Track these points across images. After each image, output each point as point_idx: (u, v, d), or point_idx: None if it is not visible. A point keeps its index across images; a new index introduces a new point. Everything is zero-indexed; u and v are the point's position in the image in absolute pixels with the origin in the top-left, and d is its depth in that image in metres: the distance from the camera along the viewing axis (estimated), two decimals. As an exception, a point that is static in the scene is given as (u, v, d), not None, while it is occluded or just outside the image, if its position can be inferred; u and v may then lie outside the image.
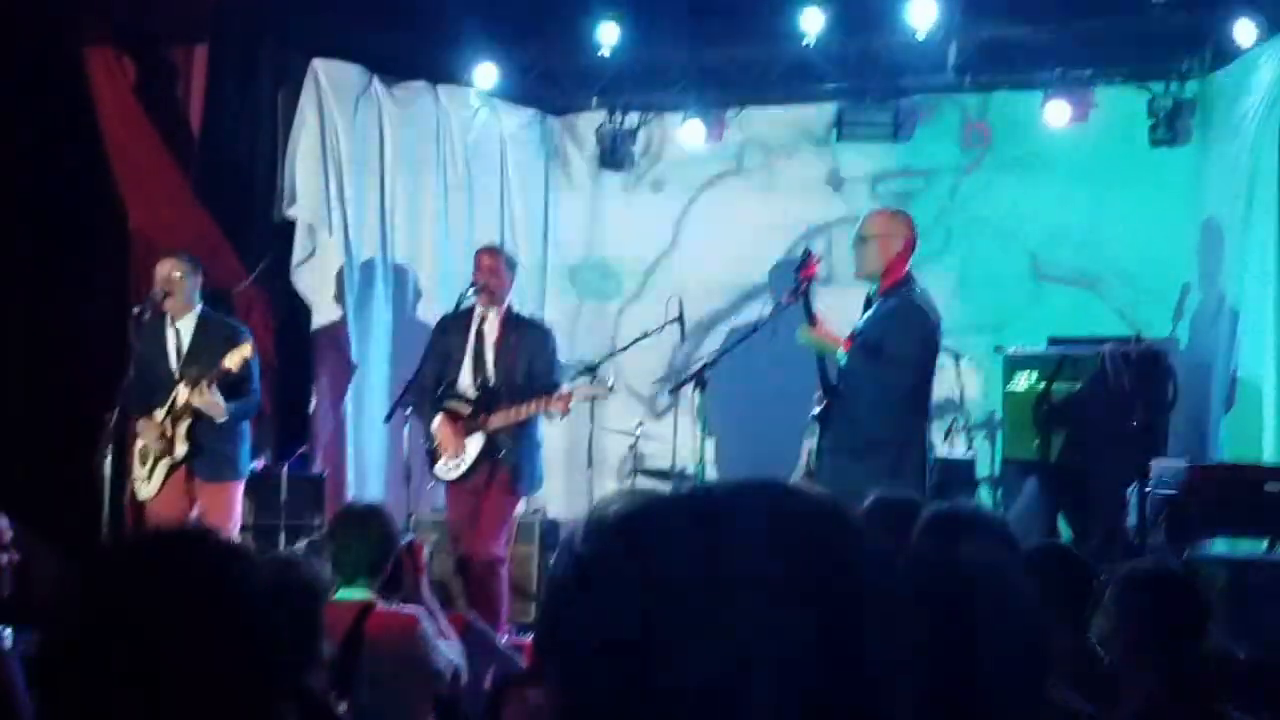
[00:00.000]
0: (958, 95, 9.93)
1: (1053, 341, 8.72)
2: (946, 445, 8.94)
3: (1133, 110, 9.40)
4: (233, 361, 7.32)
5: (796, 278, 6.83)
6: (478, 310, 7.78)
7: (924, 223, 7.30)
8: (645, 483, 9.19)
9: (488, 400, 7.65)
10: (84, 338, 8.19)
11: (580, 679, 1.19)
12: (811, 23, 9.47)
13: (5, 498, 6.19)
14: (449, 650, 4.91)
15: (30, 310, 8.22)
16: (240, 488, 7.70)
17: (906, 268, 6.78)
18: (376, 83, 9.75)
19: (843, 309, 7.11)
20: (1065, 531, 8.14)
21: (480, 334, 7.75)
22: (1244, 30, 8.62)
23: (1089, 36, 9.42)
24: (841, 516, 1.21)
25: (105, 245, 8.48)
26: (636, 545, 1.19)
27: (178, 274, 7.45)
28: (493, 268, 7.78)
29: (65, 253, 8.25)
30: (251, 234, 9.18)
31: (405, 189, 9.90)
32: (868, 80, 9.97)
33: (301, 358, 9.30)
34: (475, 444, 7.64)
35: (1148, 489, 7.24)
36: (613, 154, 10.75)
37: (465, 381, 7.73)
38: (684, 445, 8.46)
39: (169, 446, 7.41)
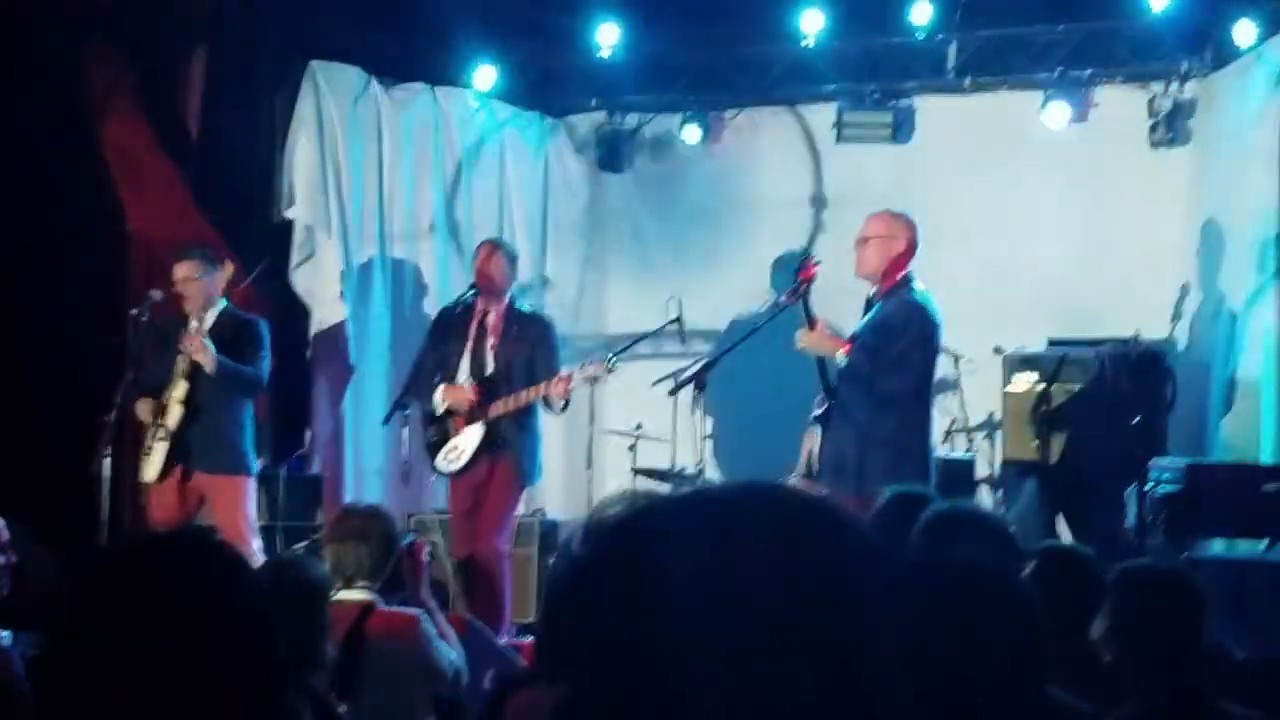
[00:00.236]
0: (957, 95, 9.92)
1: (1052, 343, 8.73)
2: (946, 446, 8.94)
3: (1132, 111, 9.40)
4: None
5: (796, 279, 6.83)
6: (479, 304, 7.79)
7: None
8: (644, 483, 9.18)
9: (486, 391, 7.66)
10: (82, 338, 8.18)
11: (580, 680, 1.19)
12: (811, 23, 9.48)
13: (4, 499, 6.19)
14: (450, 651, 4.91)
15: (28, 310, 8.22)
16: (249, 484, 7.58)
17: (907, 269, 6.79)
18: (375, 84, 9.75)
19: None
20: (1064, 532, 8.13)
21: (482, 326, 7.76)
22: (1244, 30, 8.63)
23: (1089, 37, 9.43)
24: (840, 518, 1.22)
25: (104, 246, 8.48)
26: (636, 548, 1.19)
27: (184, 275, 7.45)
28: (493, 261, 7.79)
29: (64, 253, 8.24)
30: (250, 235, 9.17)
31: (404, 191, 9.89)
32: (867, 81, 9.97)
33: (300, 359, 9.30)
34: (475, 435, 7.64)
35: (1146, 489, 7.24)
36: (612, 155, 10.74)
37: (464, 374, 7.74)
38: (683, 445, 8.44)
39: (162, 413, 7.33)
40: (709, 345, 9.47)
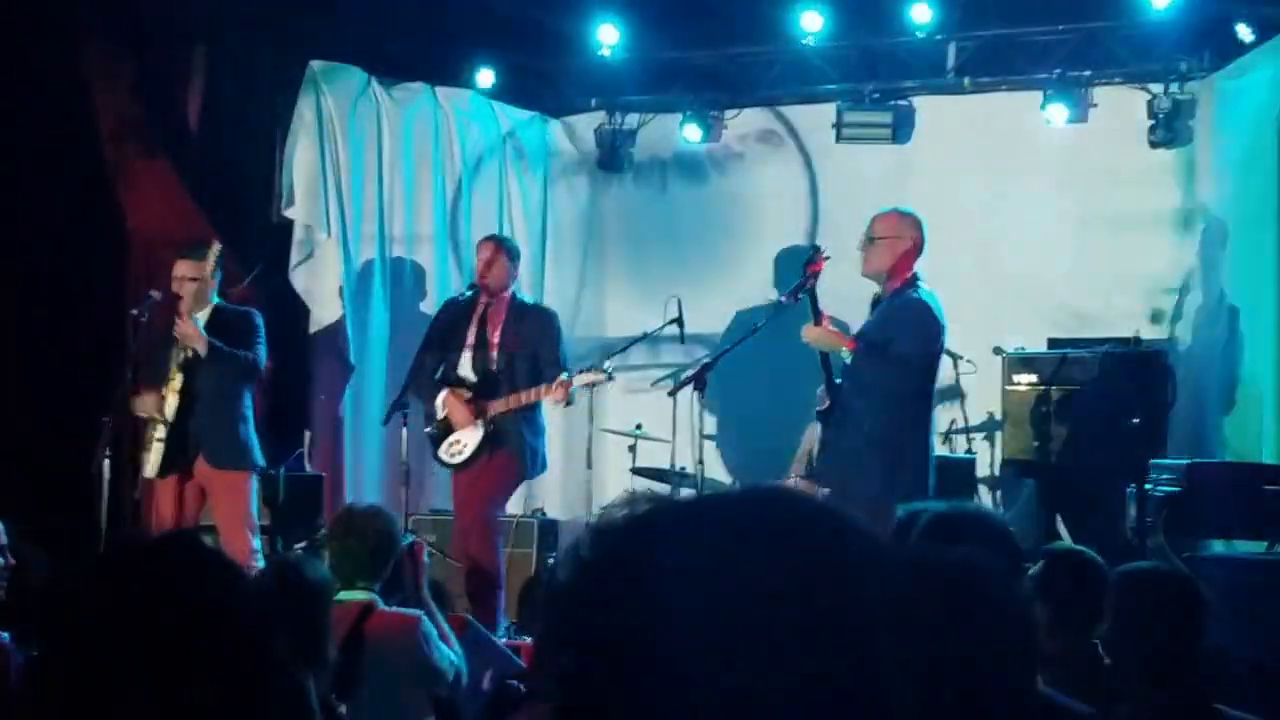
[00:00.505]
0: (957, 96, 9.92)
1: (1051, 343, 8.73)
2: (946, 446, 8.94)
3: (1131, 111, 9.40)
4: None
5: (804, 273, 6.82)
6: (481, 299, 7.78)
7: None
8: (644, 483, 9.18)
9: (488, 386, 7.66)
10: (82, 338, 8.19)
11: (582, 684, 1.19)
12: (811, 23, 9.49)
13: (3, 499, 6.19)
14: (449, 651, 4.92)
15: (28, 310, 8.22)
16: (251, 480, 7.53)
17: (914, 268, 6.79)
18: (375, 84, 9.75)
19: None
20: (1063, 532, 8.14)
21: (484, 321, 7.76)
22: (1244, 30, 8.63)
23: (1088, 37, 9.43)
24: (841, 523, 1.22)
25: (103, 245, 8.48)
26: (640, 552, 1.19)
27: (183, 274, 7.44)
28: (493, 257, 7.78)
29: (63, 253, 8.25)
30: (249, 235, 9.17)
31: (403, 190, 9.89)
32: (867, 81, 9.97)
33: (299, 358, 9.30)
34: (477, 431, 7.65)
35: (1147, 489, 7.24)
36: (612, 155, 10.74)
37: (466, 368, 7.74)
38: (683, 445, 8.44)
39: (159, 406, 7.31)
40: (708, 345, 9.47)
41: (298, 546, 7.90)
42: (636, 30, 9.91)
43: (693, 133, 10.34)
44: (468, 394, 7.70)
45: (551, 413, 8.21)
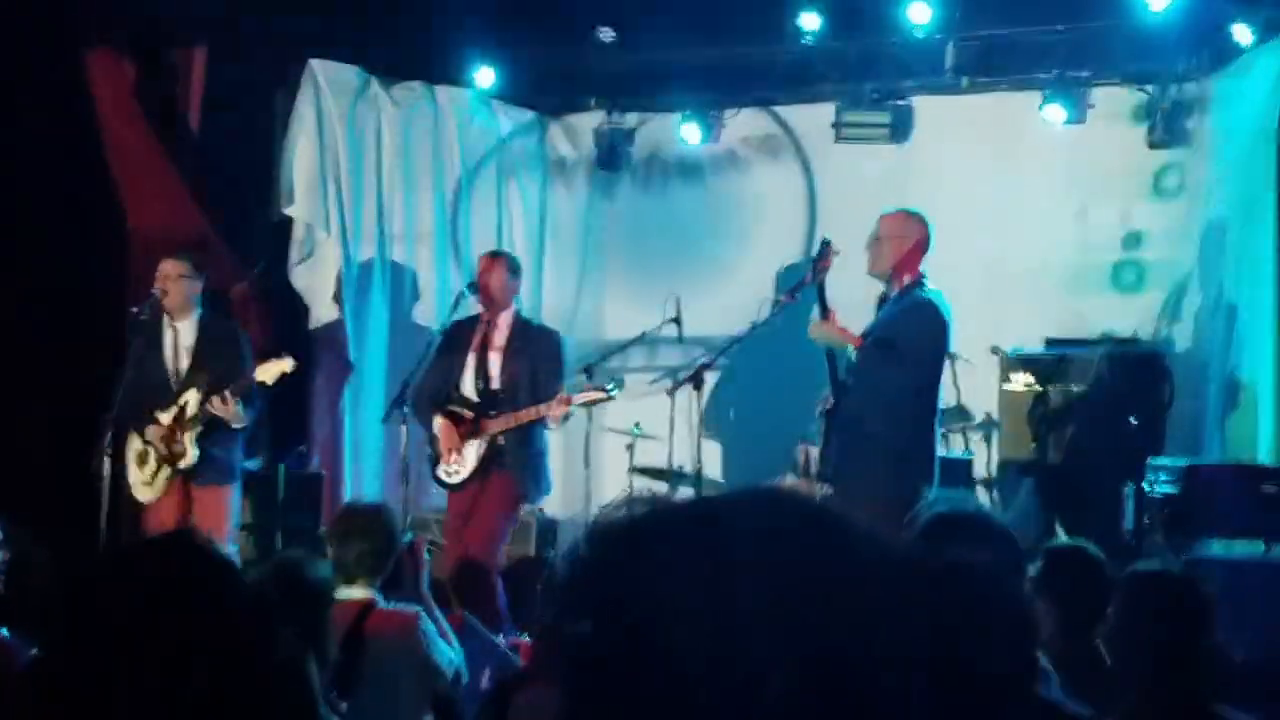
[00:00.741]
0: (955, 96, 9.93)
1: (1049, 342, 8.74)
2: (943, 445, 8.94)
3: (1130, 111, 9.41)
4: (268, 374, 7.27)
5: (814, 268, 6.82)
6: (484, 315, 7.77)
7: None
8: (642, 482, 9.19)
9: (489, 404, 7.65)
10: (83, 337, 8.19)
11: (584, 684, 1.20)
12: (810, 23, 9.49)
13: (3, 498, 6.19)
14: (449, 649, 4.93)
15: (29, 309, 8.23)
16: (236, 491, 7.63)
17: (919, 267, 6.79)
18: (375, 83, 9.76)
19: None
20: (1061, 533, 8.14)
21: (486, 339, 7.74)
22: (1243, 31, 8.63)
23: (1087, 37, 9.43)
24: (841, 521, 1.23)
25: (104, 245, 8.48)
26: (640, 553, 1.20)
27: (175, 273, 7.42)
28: (495, 272, 7.76)
29: (64, 253, 8.25)
30: (249, 233, 9.19)
31: (403, 189, 9.90)
32: (865, 81, 9.98)
33: (299, 357, 9.29)
34: (475, 450, 7.64)
35: (1145, 489, 7.25)
36: (610, 155, 10.75)
37: (468, 386, 7.73)
38: (681, 444, 8.45)
39: (180, 454, 7.35)
40: (707, 345, 9.47)
41: (294, 551, 7.89)
42: (635, 30, 9.91)
43: (691, 133, 10.34)
44: (467, 414, 7.67)
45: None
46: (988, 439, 9.05)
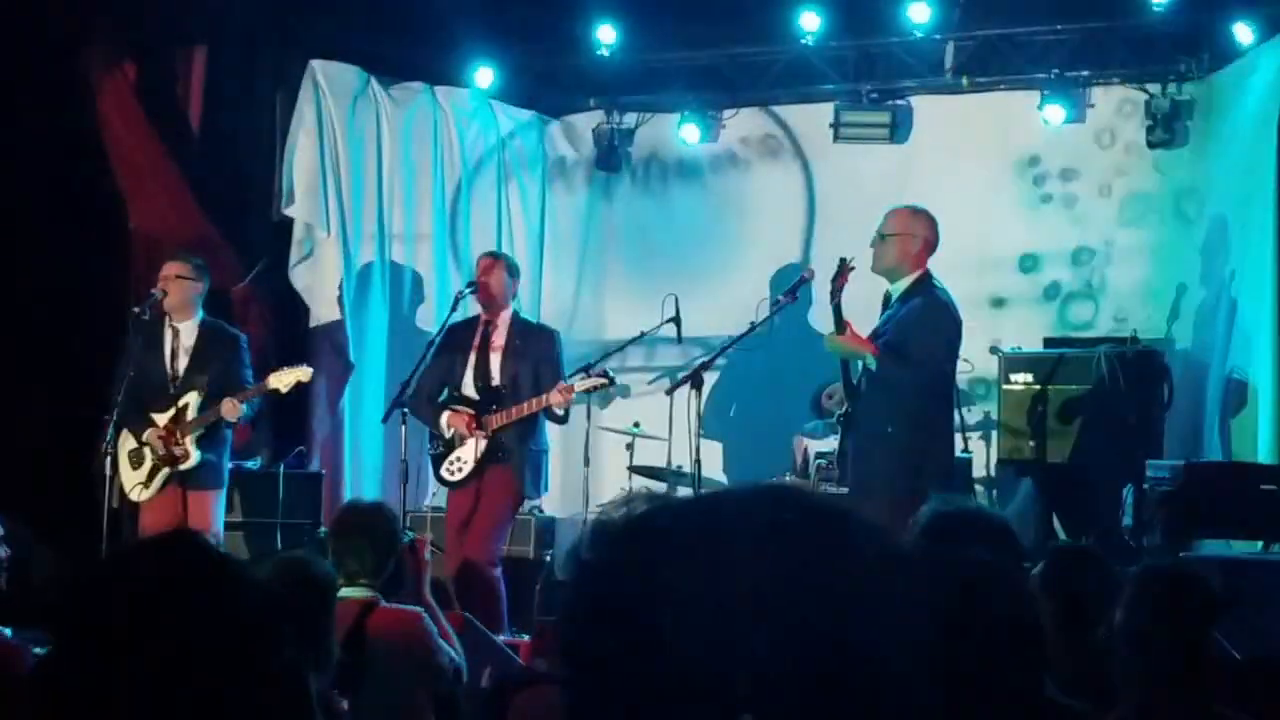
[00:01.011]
0: (955, 95, 9.93)
1: (1049, 342, 8.74)
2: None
3: (1130, 111, 9.41)
4: (283, 383, 7.29)
5: (833, 286, 6.79)
6: (484, 317, 7.80)
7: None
8: (641, 482, 9.19)
9: (490, 401, 7.67)
10: (83, 337, 8.19)
11: (587, 683, 1.20)
12: (809, 23, 9.50)
13: (5, 497, 6.21)
14: (450, 649, 4.93)
15: (30, 309, 8.23)
16: (222, 495, 7.66)
17: (926, 266, 6.79)
18: (374, 83, 9.76)
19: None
20: (1060, 532, 8.15)
21: (486, 339, 7.76)
22: (1243, 30, 8.64)
23: (1086, 37, 9.44)
24: (841, 518, 1.23)
25: (105, 245, 8.49)
26: (641, 551, 1.21)
27: (177, 274, 7.43)
28: (493, 273, 7.78)
29: (65, 253, 8.26)
30: (250, 233, 9.20)
31: (403, 189, 9.90)
32: (865, 81, 9.98)
33: (299, 357, 9.28)
34: (477, 447, 7.65)
35: (1144, 489, 7.26)
36: (610, 155, 10.75)
37: (468, 385, 7.75)
38: (680, 444, 8.45)
39: (182, 456, 7.35)
40: (706, 345, 9.47)
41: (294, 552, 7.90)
42: (635, 30, 9.91)
43: (691, 133, 10.34)
44: (469, 412, 7.70)
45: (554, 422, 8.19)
46: (986, 439, 9.06)
